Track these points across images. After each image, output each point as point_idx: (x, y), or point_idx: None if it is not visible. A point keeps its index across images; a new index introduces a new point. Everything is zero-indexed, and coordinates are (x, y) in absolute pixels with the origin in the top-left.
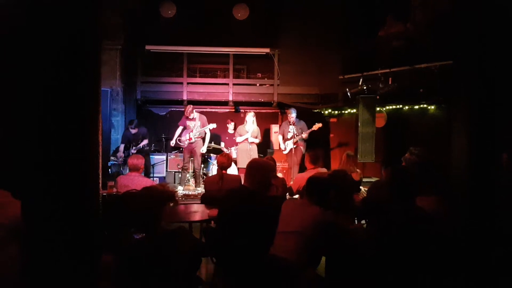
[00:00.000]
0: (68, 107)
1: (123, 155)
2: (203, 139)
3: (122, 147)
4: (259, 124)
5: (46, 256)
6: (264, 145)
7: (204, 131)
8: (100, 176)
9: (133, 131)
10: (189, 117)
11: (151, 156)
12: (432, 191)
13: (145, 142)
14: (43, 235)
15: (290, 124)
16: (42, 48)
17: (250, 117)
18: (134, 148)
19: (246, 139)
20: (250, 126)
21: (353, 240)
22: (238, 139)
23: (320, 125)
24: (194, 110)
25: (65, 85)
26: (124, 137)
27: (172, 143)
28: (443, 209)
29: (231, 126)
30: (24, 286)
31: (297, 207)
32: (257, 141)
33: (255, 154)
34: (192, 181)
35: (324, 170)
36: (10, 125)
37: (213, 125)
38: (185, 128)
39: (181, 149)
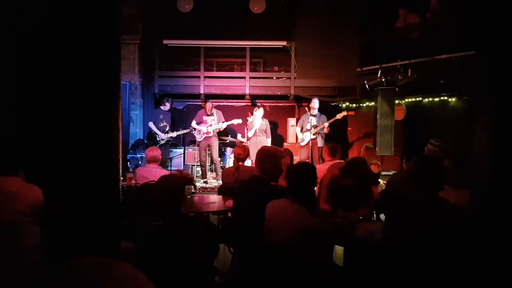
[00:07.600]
0: (90, 102)
1: (164, 136)
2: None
3: (156, 129)
4: (276, 117)
5: (68, 242)
6: (280, 138)
7: (222, 126)
8: (120, 168)
9: (167, 107)
10: (209, 113)
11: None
12: (459, 184)
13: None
14: (65, 224)
15: (311, 115)
16: (62, 43)
17: (259, 113)
18: (174, 131)
19: (255, 132)
20: (258, 121)
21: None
22: (249, 134)
23: (344, 113)
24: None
25: (88, 80)
26: (154, 116)
27: (193, 125)
28: (471, 203)
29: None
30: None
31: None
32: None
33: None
34: (209, 174)
35: (342, 162)
36: (33, 118)
37: (237, 121)
38: (200, 122)
39: (197, 143)
